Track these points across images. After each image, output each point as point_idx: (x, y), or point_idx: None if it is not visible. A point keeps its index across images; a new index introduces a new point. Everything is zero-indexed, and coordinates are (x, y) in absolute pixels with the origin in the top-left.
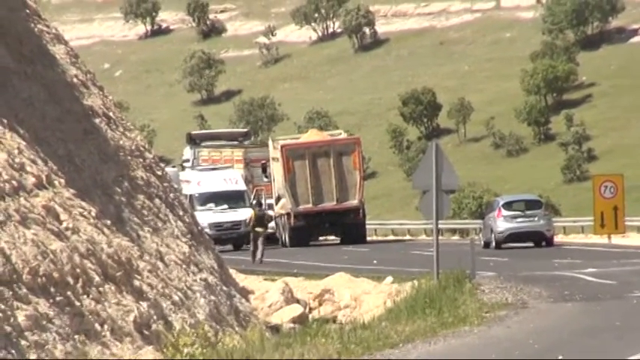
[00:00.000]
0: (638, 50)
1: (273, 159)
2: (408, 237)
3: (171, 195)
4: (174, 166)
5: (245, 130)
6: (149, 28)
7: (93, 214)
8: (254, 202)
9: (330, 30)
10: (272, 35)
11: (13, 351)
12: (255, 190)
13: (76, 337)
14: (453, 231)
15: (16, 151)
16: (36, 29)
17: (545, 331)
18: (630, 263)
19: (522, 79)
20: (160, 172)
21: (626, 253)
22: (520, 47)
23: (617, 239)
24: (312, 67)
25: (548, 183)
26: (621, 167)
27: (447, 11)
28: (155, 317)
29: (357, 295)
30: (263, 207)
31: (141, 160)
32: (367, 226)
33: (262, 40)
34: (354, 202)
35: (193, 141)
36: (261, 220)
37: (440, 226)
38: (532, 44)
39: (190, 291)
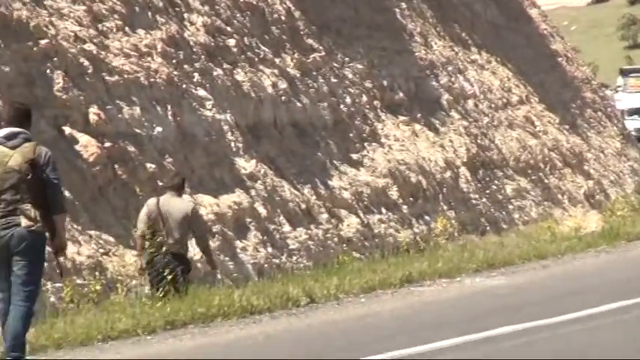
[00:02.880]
0: None
1: None
2: None
3: (609, 109)
4: (610, 90)
5: None
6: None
7: (557, 121)
8: None
9: None
10: None
11: (504, 212)
12: None
13: (545, 203)
14: None
15: (505, 79)
16: None
17: None
18: None
19: None
20: (601, 94)
21: None
22: None
23: None
24: None
25: None
26: None
27: None
28: (598, 191)
29: None
30: None
31: (588, 85)
32: None
33: None
34: None
35: (624, 73)
36: None
37: None
38: None
39: (621, 173)
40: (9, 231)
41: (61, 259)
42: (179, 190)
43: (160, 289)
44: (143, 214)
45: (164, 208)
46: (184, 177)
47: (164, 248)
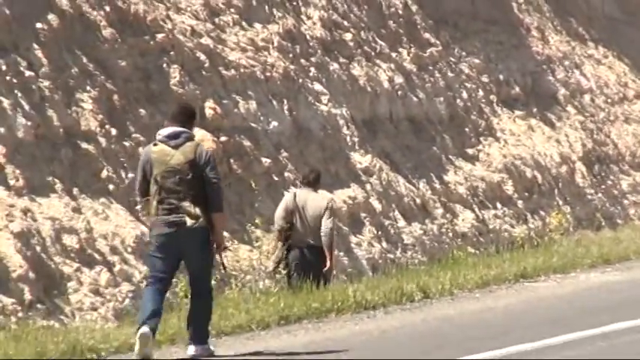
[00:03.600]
0: None
1: None
2: None
3: None
4: None
5: None
6: None
7: None
8: None
9: None
10: None
11: (619, 207)
12: None
13: None
14: None
15: (622, 73)
16: None
17: None
18: None
19: None
20: None
21: None
22: None
23: None
24: None
25: None
26: None
27: None
28: None
29: None
30: None
31: None
32: None
33: None
34: None
35: None
36: None
37: None
38: None
39: None
40: (175, 228)
41: (223, 253)
42: (315, 185)
43: (298, 281)
44: (281, 209)
45: (300, 202)
46: (319, 172)
47: (299, 242)
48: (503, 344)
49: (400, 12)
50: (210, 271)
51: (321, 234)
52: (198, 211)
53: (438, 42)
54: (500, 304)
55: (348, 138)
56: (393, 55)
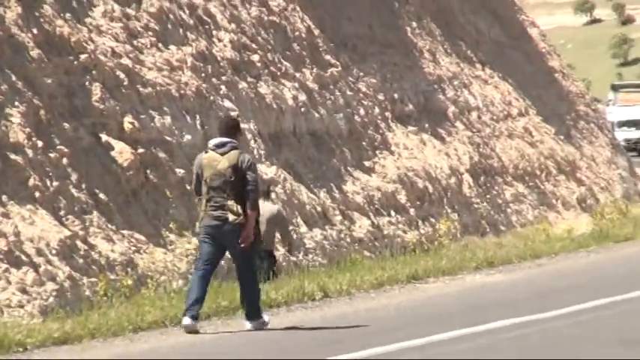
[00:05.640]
0: None
1: None
2: None
3: (600, 121)
4: (602, 104)
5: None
6: (588, 19)
7: (552, 132)
8: None
9: None
10: None
11: (502, 215)
12: None
13: (540, 207)
14: None
15: (506, 93)
16: (520, 17)
17: None
18: None
19: None
20: (593, 107)
21: None
22: None
23: None
24: None
25: None
26: None
27: None
28: (589, 196)
29: None
30: None
31: (582, 99)
32: None
33: None
34: None
35: (615, 88)
36: None
37: None
38: None
39: (611, 180)
40: (220, 222)
41: (242, 245)
42: (266, 195)
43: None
44: None
45: None
46: (270, 184)
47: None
48: (392, 340)
49: (304, 35)
50: (252, 259)
51: (280, 236)
52: (239, 208)
53: (338, 63)
54: (392, 303)
55: (255, 151)
56: (297, 75)
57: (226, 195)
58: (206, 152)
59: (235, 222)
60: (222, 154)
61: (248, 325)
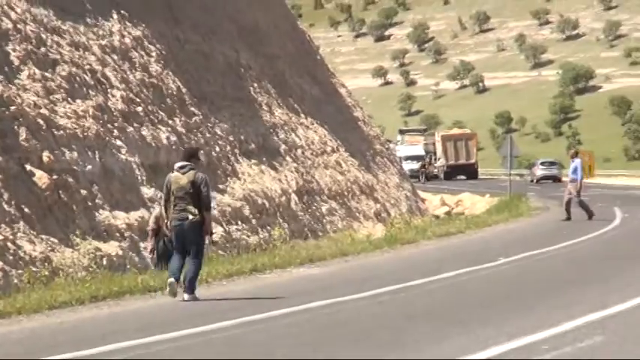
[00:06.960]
0: None
1: (437, 141)
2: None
3: (391, 156)
4: (393, 143)
5: (424, 127)
6: (382, 81)
7: (357, 164)
8: (427, 159)
9: None
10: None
11: (320, 224)
12: (429, 156)
13: (348, 218)
14: (519, 175)
15: (323, 135)
16: (333, 80)
17: (555, 219)
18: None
19: None
20: (386, 146)
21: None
22: None
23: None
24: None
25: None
26: None
27: None
28: (382, 210)
29: (474, 203)
30: (431, 162)
31: (378, 140)
32: (479, 171)
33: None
34: (472, 160)
35: (402, 132)
36: (424, 166)
37: (511, 171)
38: None
39: (399, 199)
40: (182, 222)
41: (211, 237)
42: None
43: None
44: (153, 216)
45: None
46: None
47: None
48: (240, 316)
49: (174, 92)
50: (202, 248)
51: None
52: (195, 211)
53: (200, 113)
54: (239, 289)
55: (139, 177)
56: (170, 121)
57: (187, 202)
58: (172, 172)
59: (193, 220)
60: (183, 174)
61: (185, 296)
